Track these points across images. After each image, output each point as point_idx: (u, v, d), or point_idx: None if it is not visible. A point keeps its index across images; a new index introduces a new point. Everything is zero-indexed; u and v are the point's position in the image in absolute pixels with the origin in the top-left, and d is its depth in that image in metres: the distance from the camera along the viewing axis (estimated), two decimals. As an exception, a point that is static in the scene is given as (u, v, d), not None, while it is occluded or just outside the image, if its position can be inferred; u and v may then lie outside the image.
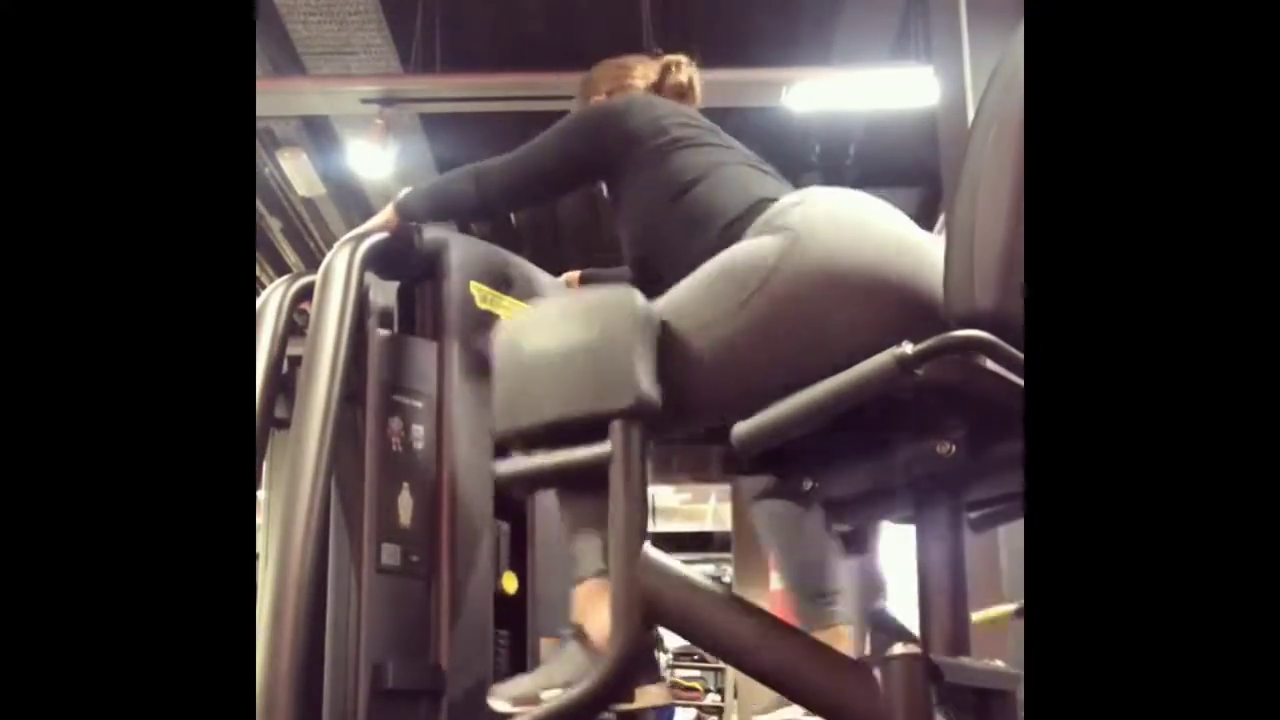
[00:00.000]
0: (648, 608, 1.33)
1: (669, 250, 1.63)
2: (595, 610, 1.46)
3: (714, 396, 1.43)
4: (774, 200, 1.53)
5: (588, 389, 1.38)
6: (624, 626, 1.33)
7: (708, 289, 1.45)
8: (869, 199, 1.50)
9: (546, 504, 1.91)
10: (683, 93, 1.96)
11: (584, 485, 1.44)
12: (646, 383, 1.37)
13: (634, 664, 1.36)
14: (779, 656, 1.30)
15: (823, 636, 1.56)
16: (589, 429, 1.38)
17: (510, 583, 1.90)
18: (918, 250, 1.41)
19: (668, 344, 1.41)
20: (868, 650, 1.59)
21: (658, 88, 1.95)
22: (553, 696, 1.42)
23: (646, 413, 1.36)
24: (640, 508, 1.36)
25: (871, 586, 1.65)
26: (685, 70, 1.98)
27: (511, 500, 1.90)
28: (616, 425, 1.36)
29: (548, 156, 1.80)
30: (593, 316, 1.42)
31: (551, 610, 1.88)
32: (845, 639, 1.64)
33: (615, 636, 1.34)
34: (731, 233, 1.53)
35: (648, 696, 1.57)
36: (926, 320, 1.25)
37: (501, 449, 1.53)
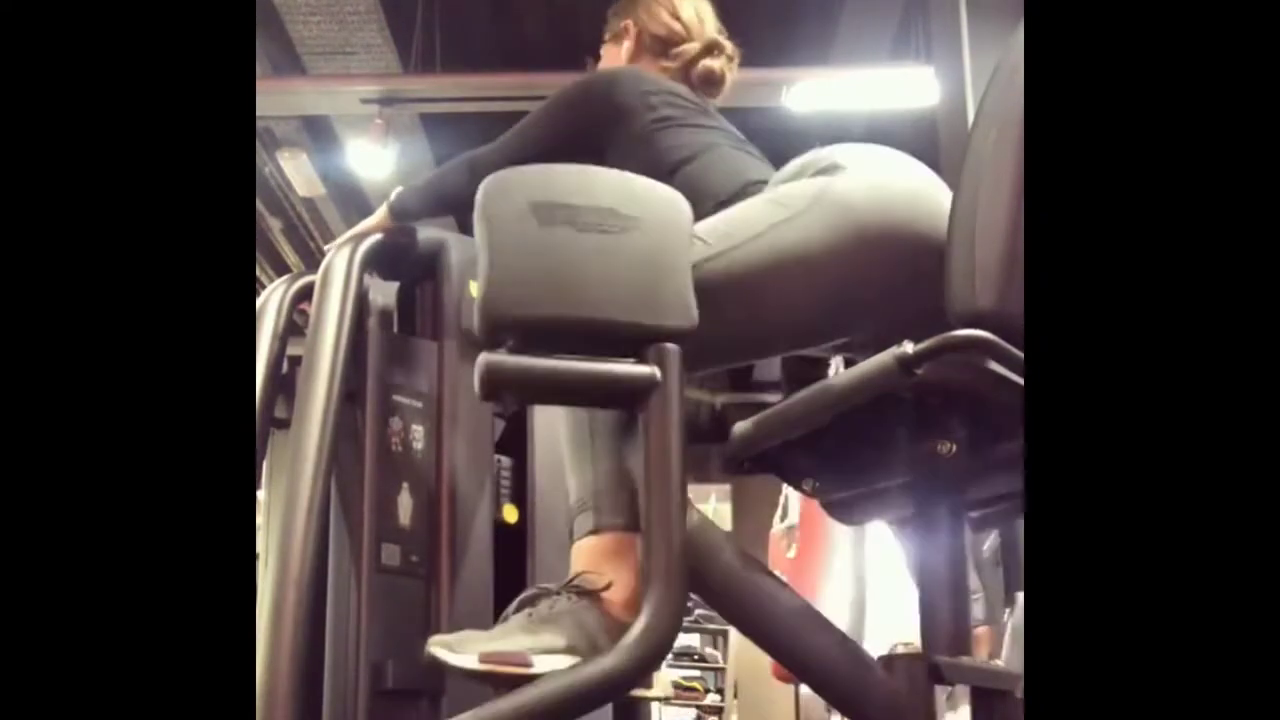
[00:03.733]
0: (691, 571, 1.17)
1: None
2: (618, 568, 1.33)
3: (730, 330, 1.37)
4: (764, 182, 1.53)
5: (638, 296, 1.18)
6: (666, 589, 1.15)
7: (742, 214, 1.42)
8: (899, 153, 1.49)
9: (547, 438, 1.91)
10: (711, 81, 1.90)
11: (604, 417, 1.29)
12: (694, 305, 1.21)
13: (676, 633, 1.17)
14: (807, 642, 1.29)
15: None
16: (617, 342, 1.19)
17: (511, 514, 1.89)
18: (947, 206, 1.41)
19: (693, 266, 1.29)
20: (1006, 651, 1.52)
21: (691, 62, 1.89)
22: (553, 664, 1.24)
23: (687, 343, 1.21)
24: (685, 453, 1.18)
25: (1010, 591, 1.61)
26: (724, 62, 1.91)
27: (513, 433, 1.89)
28: (665, 349, 1.18)
29: (539, 134, 1.77)
30: (640, 208, 1.22)
31: (552, 547, 1.85)
32: (983, 641, 1.60)
33: (654, 603, 1.15)
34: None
35: (662, 682, 1.49)
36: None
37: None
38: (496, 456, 1.90)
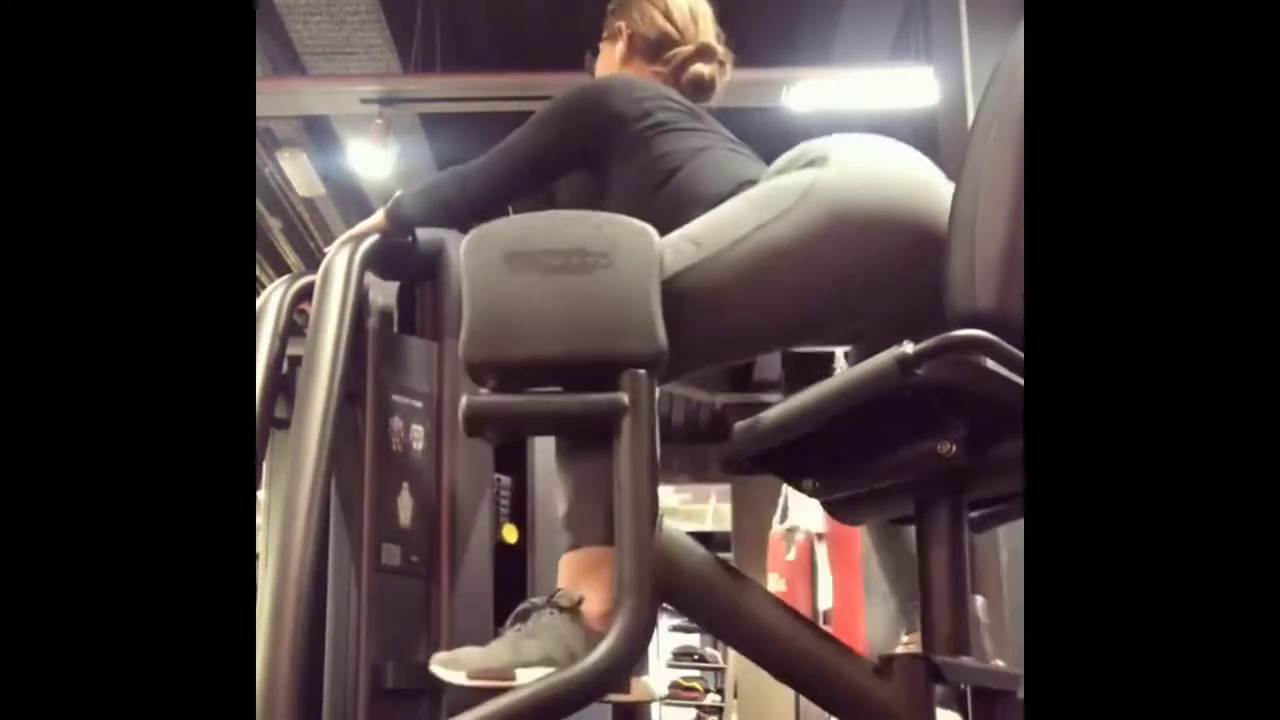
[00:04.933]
0: (661, 583, 1.23)
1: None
2: (593, 583, 1.38)
3: (721, 331, 1.38)
4: (756, 182, 1.53)
5: (602, 328, 1.25)
6: (636, 602, 1.22)
7: (731, 215, 1.43)
8: (891, 141, 1.49)
9: (546, 457, 1.92)
10: (700, 87, 1.89)
11: (583, 441, 1.35)
12: (661, 329, 1.26)
13: (645, 644, 1.24)
14: (792, 647, 1.29)
15: (915, 639, 1.54)
16: (589, 374, 1.25)
17: (511, 534, 1.90)
18: (939, 190, 1.40)
19: (683, 272, 1.35)
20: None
21: (681, 66, 1.88)
22: (534, 676, 1.29)
23: (661, 363, 1.26)
24: (655, 471, 1.25)
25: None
26: (714, 67, 1.90)
27: (514, 453, 1.90)
28: (634, 374, 1.24)
29: (531, 147, 1.77)
30: (608, 244, 1.28)
31: (553, 566, 1.86)
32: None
33: (625, 613, 1.22)
34: None
35: (642, 688, 1.51)
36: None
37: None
38: (496, 475, 1.89)
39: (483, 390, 1.28)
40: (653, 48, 1.89)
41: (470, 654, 1.42)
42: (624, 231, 1.32)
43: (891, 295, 1.42)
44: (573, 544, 1.44)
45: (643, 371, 1.25)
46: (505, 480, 1.92)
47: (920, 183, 1.42)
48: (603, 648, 1.22)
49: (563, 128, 1.76)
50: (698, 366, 1.47)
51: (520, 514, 1.93)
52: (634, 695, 1.46)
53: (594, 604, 1.40)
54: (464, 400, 1.26)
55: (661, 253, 1.34)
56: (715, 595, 1.30)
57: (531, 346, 1.26)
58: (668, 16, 1.90)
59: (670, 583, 1.25)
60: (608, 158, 1.71)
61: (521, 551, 1.91)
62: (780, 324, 1.45)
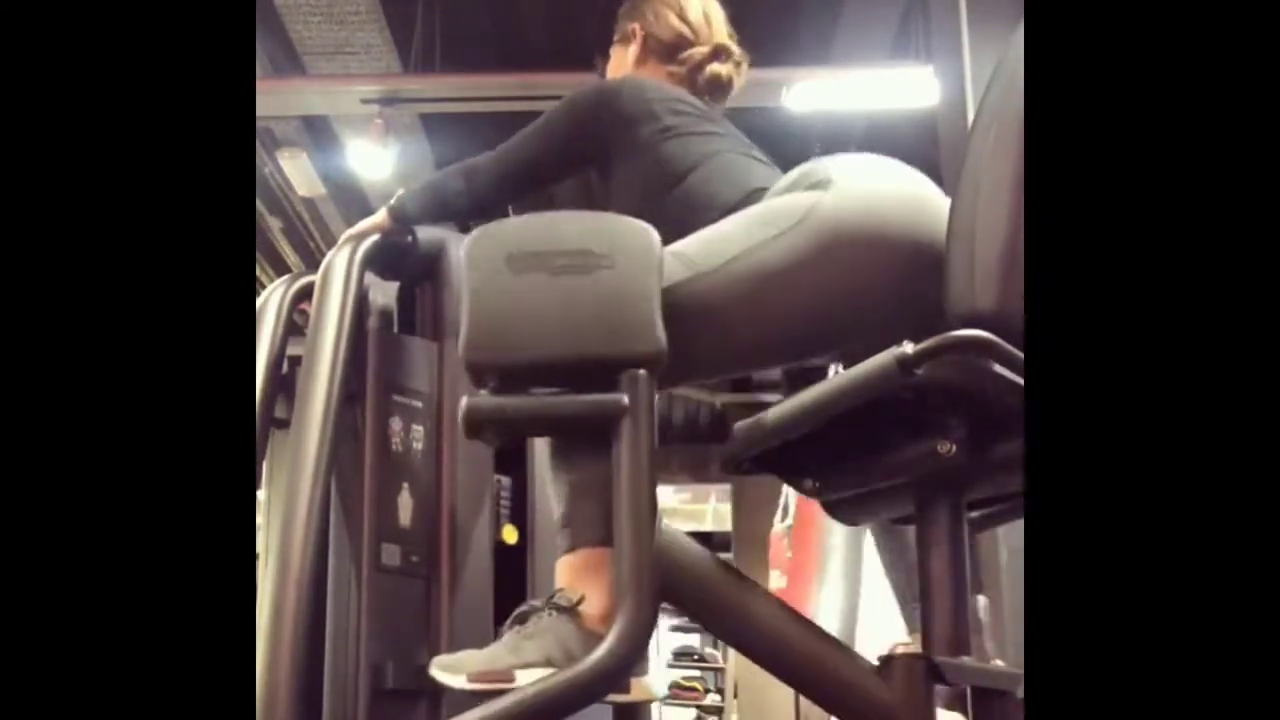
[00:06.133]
0: (661, 583, 1.22)
1: (664, 241, 1.62)
2: (592, 583, 1.39)
3: (718, 346, 1.38)
4: (767, 190, 1.52)
5: (603, 328, 1.25)
6: (635, 603, 1.21)
7: (729, 231, 1.42)
8: (894, 161, 1.49)
9: (545, 459, 1.92)
10: (718, 86, 1.88)
11: (580, 441, 1.35)
12: (661, 330, 1.26)
13: (644, 645, 1.24)
14: (792, 647, 1.29)
15: (916, 638, 1.54)
16: (589, 375, 1.25)
17: (510, 535, 1.89)
18: (941, 212, 1.40)
19: (676, 286, 1.35)
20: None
21: (697, 67, 1.87)
22: (534, 677, 1.29)
23: (661, 364, 1.26)
24: (653, 471, 1.24)
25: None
26: (731, 67, 1.89)
27: (513, 454, 1.90)
28: (634, 375, 1.24)
29: (539, 145, 1.76)
30: (609, 245, 1.28)
31: (552, 566, 1.86)
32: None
33: (624, 614, 1.21)
34: None
35: (642, 688, 1.51)
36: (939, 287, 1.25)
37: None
38: (496, 476, 1.89)
39: (483, 391, 1.27)
40: (668, 49, 1.88)
41: (470, 656, 1.42)
42: (626, 232, 1.31)
43: (889, 320, 1.42)
44: (571, 545, 1.44)
45: (643, 372, 1.24)
46: (505, 481, 1.92)
47: (921, 205, 1.41)
48: (602, 648, 1.22)
49: (571, 128, 1.75)
50: (694, 379, 1.47)
51: (520, 515, 1.93)
52: (634, 695, 1.47)
53: (593, 605, 1.40)
54: (463, 402, 1.26)
55: (663, 256, 1.34)
56: (715, 595, 1.29)
57: (533, 347, 1.25)
58: (682, 17, 1.89)
59: (669, 583, 1.25)
60: (615, 159, 1.71)
61: (522, 552, 1.91)
62: (776, 343, 1.43)
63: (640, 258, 1.29)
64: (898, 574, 1.64)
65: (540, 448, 1.94)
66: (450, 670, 1.40)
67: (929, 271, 1.31)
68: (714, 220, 1.51)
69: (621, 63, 1.93)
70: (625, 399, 1.23)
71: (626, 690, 1.45)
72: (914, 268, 1.36)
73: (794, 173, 1.49)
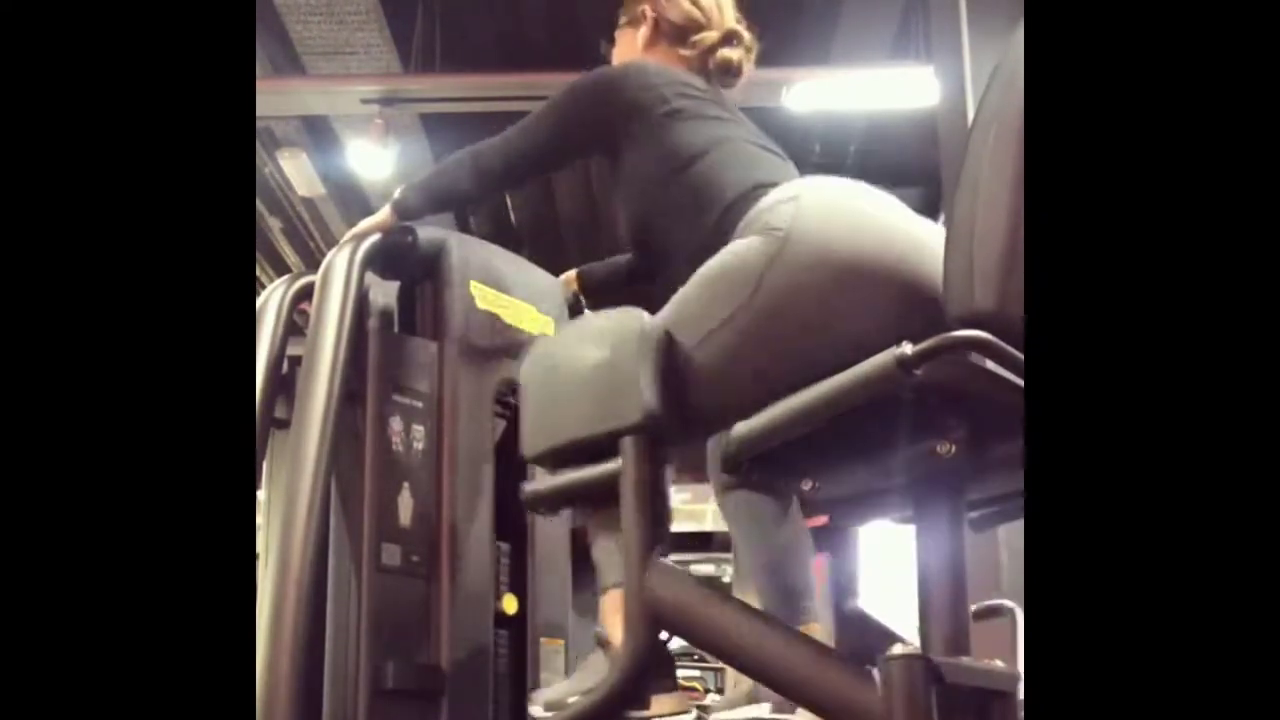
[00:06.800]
0: (657, 614, 1.35)
1: (669, 229, 1.61)
2: (615, 619, 1.46)
3: (722, 402, 1.41)
4: (772, 185, 1.51)
5: (601, 409, 1.43)
6: (633, 633, 1.36)
7: (703, 296, 1.44)
8: (865, 189, 1.47)
9: (546, 525, 1.92)
10: (729, 71, 1.86)
11: (605, 499, 1.45)
12: (652, 398, 1.39)
13: (644, 669, 1.39)
14: (782, 659, 1.30)
15: (814, 629, 1.56)
16: (606, 446, 1.41)
17: (510, 604, 1.88)
18: (914, 238, 1.39)
19: (673, 356, 1.42)
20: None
21: (709, 51, 1.85)
22: (576, 702, 1.45)
23: (655, 427, 1.39)
24: (649, 519, 1.38)
25: (844, 584, 1.61)
26: (742, 52, 1.87)
27: (512, 520, 1.89)
28: (627, 441, 1.39)
29: (544, 133, 1.76)
30: (604, 338, 1.47)
31: (551, 629, 1.91)
32: (820, 637, 1.60)
33: (626, 643, 1.37)
34: (729, 217, 1.51)
35: (664, 704, 1.54)
36: (927, 307, 1.25)
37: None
38: (496, 543, 1.88)
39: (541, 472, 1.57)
40: (679, 32, 1.86)
41: (553, 689, 1.56)
42: (611, 326, 1.50)
43: (884, 337, 1.41)
44: (601, 587, 1.51)
45: (630, 439, 1.39)
46: (504, 547, 1.91)
47: (886, 225, 1.41)
48: (608, 676, 1.40)
49: (575, 114, 1.75)
50: (713, 432, 1.53)
51: (520, 583, 1.91)
52: (654, 710, 1.51)
53: (615, 638, 1.46)
54: (524, 487, 1.55)
55: (652, 324, 1.44)
56: (705, 621, 1.36)
57: (558, 435, 1.48)
58: (694, 1, 1.87)
59: (663, 616, 1.36)
60: (622, 145, 1.69)
61: (521, 622, 1.90)
62: (782, 385, 1.41)
63: (623, 334, 1.45)
64: (765, 557, 1.68)
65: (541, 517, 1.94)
66: (537, 704, 1.54)
67: (912, 286, 1.32)
68: (719, 211, 1.52)
69: (630, 45, 1.91)
70: (619, 464, 1.39)
71: (647, 706, 1.50)
72: (898, 287, 1.34)
73: (759, 205, 1.47)
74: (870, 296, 1.35)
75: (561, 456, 1.49)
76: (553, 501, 1.59)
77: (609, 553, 1.48)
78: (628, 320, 1.47)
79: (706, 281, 1.45)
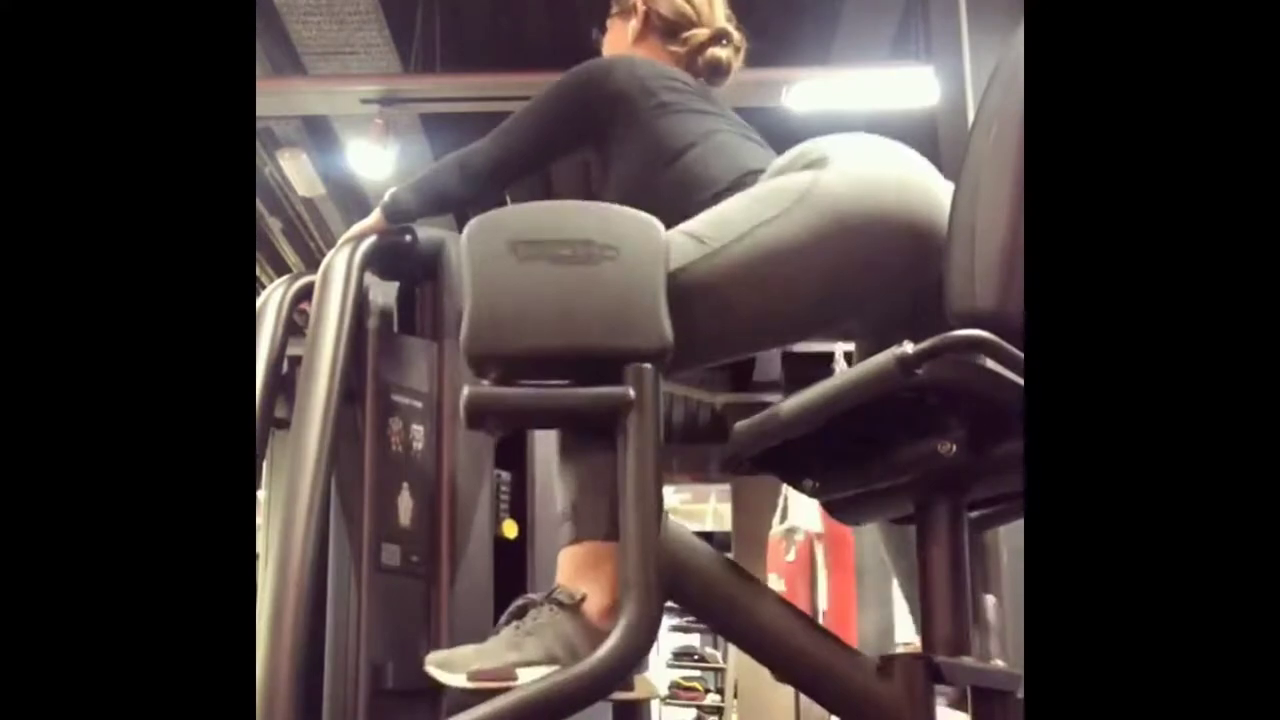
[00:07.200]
0: (665, 580, 1.21)
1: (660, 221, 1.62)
2: (595, 578, 1.37)
3: (723, 327, 1.38)
4: (763, 171, 1.52)
5: (608, 322, 1.23)
6: (641, 599, 1.19)
7: (731, 212, 1.42)
8: (890, 142, 1.49)
9: (545, 453, 1.92)
10: (717, 70, 1.87)
11: (586, 434, 1.34)
12: (667, 324, 1.25)
13: (650, 641, 1.22)
14: (794, 646, 1.28)
15: None
16: (592, 368, 1.23)
17: (510, 529, 1.89)
18: (937, 191, 1.40)
19: (685, 268, 1.35)
20: None
21: (698, 49, 1.86)
22: (536, 675, 1.27)
23: (666, 358, 1.25)
24: (660, 467, 1.23)
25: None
26: (730, 51, 1.88)
27: (513, 449, 1.89)
28: (640, 369, 1.22)
29: (535, 128, 1.75)
30: (614, 236, 1.27)
31: (552, 561, 1.86)
32: None
33: (630, 610, 1.20)
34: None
35: (645, 685, 1.50)
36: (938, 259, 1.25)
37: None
38: (496, 471, 1.89)
39: (484, 382, 1.25)
40: (670, 27, 1.87)
41: (465, 653, 1.40)
42: (631, 224, 1.30)
43: (890, 294, 1.42)
44: (574, 538, 1.42)
45: (648, 366, 1.23)
46: (505, 475, 1.92)
47: (917, 184, 1.42)
48: (607, 646, 1.20)
49: (562, 109, 1.74)
50: (700, 362, 1.48)
51: (520, 509, 1.93)
52: (637, 693, 1.46)
53: (596, 600, 1.39)
54: (465, 390, 1.23)
55: (667, 246, 1.33)
56: (720, 593, 1.29)
57: (535, 338, 1.23)
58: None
59: (673, 579, 1.24)
60: (610, 139, 1.69)
61: (521, 547, 1.92)
62: (780, 322, 1.44)
63: (645, 250, 1.27)
64: (913, 586, 1.63)
65: (541, 441, 1.94)
66: (448, 668, 1.38)
67: (928, 248, 1.31)
68: (708, 201, 1.51)
69: (620, 37, 1.92)
70: (631, 393, 1.22)
71: (630, 688, 1.43)
72: (912, 246, 1.36)
73: (790, 152, 1.49)
74: (897, 243, 1.37)
75: (524, 364, 1.24)
76: (512, 418, 1.32)
77: (593, 499, 1.36)
78: (650, 223, 1.30)
79: (742, 198, 1.44)
